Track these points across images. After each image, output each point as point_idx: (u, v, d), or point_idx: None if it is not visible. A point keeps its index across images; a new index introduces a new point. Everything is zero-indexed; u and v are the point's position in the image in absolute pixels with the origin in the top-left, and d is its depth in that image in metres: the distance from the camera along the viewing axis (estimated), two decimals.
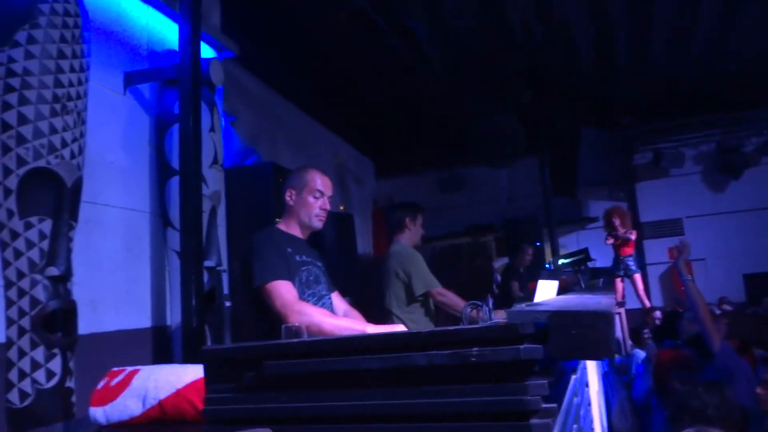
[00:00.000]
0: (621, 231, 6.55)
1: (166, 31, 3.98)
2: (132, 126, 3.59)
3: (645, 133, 9.06)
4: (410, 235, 3.90)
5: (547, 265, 7.74)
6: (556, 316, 0.89)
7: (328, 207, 2.60)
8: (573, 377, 1.43)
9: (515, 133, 7.53)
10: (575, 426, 1.24)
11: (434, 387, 0.93)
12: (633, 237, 6.61)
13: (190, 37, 3.32)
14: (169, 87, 3.71)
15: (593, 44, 6.95)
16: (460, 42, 6.52)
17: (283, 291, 2.32)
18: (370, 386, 0.97)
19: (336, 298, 2.70)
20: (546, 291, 2.12)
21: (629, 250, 6.67)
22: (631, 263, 6.62)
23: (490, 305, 1.84)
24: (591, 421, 1.80)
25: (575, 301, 1.58)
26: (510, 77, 7.29)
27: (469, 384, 0.91)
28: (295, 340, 1.12)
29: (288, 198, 2.58)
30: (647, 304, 6.77)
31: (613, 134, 9.08)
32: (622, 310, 6.00)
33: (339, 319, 2.45)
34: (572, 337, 0.87)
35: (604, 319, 0.86)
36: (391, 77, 7.02)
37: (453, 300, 3.56)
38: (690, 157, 9.15)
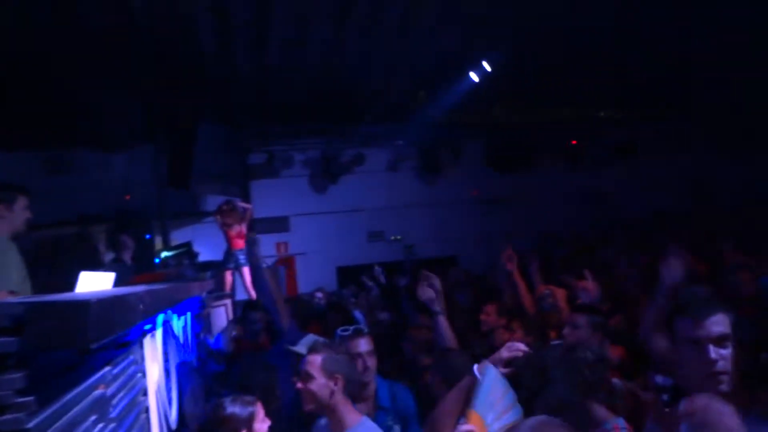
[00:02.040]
0: (236, 227, 6.84)
1: None
2: None
3: (260, 135, 9.71)
4: (7, 224, 3.24)
5: (156, 259, 7.59)
6: (32, 308, 0.88)
7: None
8: (107, 368, 1.44)
9: (132, 118, 7.18)
10: (93, 416, 1.25)
11: None
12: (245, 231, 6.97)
13: None
14: None
15: (216, 43, 7.14)
16: (76, 15, 5.93)
17: None
18: None
19: None
20: (93, 283, 2.06)
21: (240, 244, 7.02)
22: (241, 257, 6.97)
23: None
24: (144, 409, 1.84)
25: (78, 294, 1.59)
26: (130, 61, 6.94)
27: None
28: None
29: None
30: (253, 295, 7.23)
31: (230, 132, 9.48)
32: (228, 301, 6.28)
33: None
34: (47, 328, 0.88)
35: (75, 309, 0.89)
36: None
37: None
38: (299, 160, 10.17)
